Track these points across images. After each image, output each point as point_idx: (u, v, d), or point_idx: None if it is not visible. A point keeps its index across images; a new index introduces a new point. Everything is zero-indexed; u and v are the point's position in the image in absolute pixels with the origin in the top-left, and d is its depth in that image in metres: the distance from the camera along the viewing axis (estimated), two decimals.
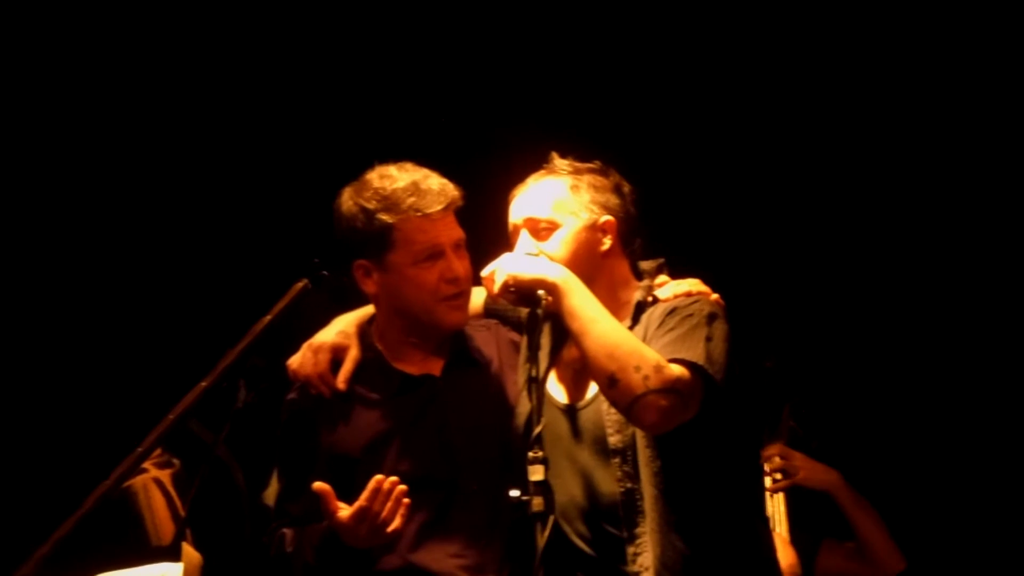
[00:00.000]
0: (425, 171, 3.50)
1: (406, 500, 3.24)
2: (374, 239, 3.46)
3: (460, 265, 3.48)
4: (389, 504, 3.23)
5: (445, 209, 3.46)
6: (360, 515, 3.23)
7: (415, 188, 3.45)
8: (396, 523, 3.25)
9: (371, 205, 3.45)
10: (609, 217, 3.35)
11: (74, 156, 5.24)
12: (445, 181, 3.49)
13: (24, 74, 5.21)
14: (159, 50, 5.23)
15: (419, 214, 3.44)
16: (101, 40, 5.20)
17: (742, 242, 5.18)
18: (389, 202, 3.44)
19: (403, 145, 3.67)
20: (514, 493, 3.14)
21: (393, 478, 3.24)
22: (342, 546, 3.29)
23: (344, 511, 3.25)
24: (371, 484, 3.23)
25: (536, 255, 3.33)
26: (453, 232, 3.49)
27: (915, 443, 5.20)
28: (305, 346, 3.60)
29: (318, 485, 3.27)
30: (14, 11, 5.15)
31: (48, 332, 5.21)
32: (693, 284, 3.37)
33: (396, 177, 3.48)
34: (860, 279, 5.24)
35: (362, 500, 3.23)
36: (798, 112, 5.20)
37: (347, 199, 3.51)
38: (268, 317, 3.35)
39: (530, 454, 3.14)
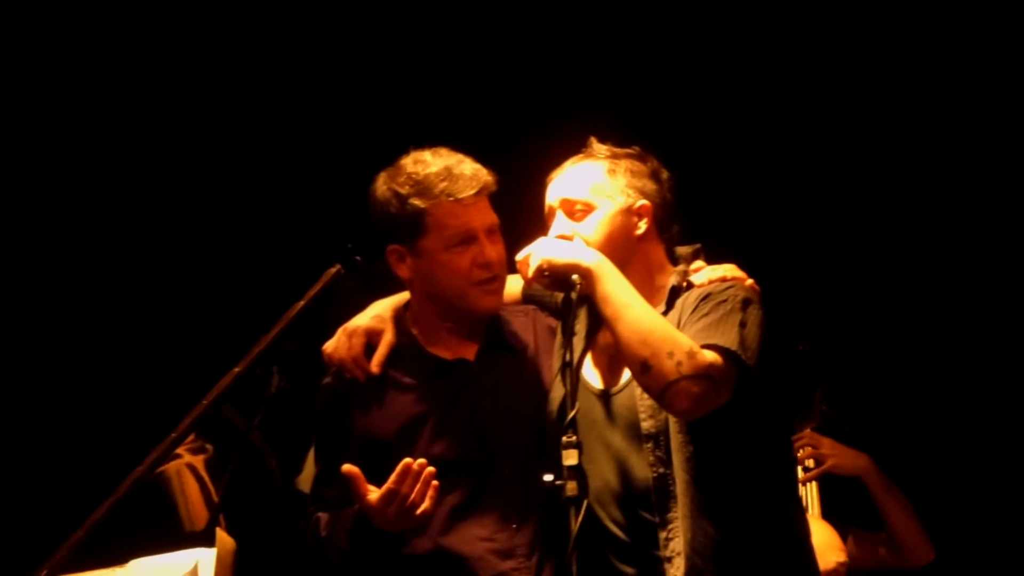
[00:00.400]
0: (459, 156, 3.50)
1: (435, 483, 3.23)
2: (407, 224, 3.46)
3: (493, 250, 3.47)
4: (418, 487, 3.22)
5: (478, 194, 3.45)
6: (388, 497, 3.23)
7: (448, 173, 3.45)
8: (425, 505, 3.24)
9: (404, 190, 3.45)
10: (645, 202, 3.35)
11: (111, 144, 5.26)
12: (478, 166, 3.49)
13: (63, 67, 5.23)
14: (192, 38, 5.24)
15: (451, 199, 3.43)
16: (136, 33, 5.22)
17: (775, 225, 5.16)
18: (422, 187, 3.44)
19: (440, 130, 3.65)
20: (548, 477, 3.13)
21: (421, 460, 3.23)
22: (373, 529, 3.29)
23: (373, 494, 3.25)
24: (399, 467, 3.22)
25: (570, 237, 3.32)
26: (486, 217, 3.48)
27: (947, 428, 5.18)
28: (340, 330, 3.60)
29: (347, 468, 3.27)
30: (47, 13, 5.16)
31: (84, 318, 5.24)
32: (728, 269, 3.36)
33: (429, 162, 3.47)
34: (892, 262, 5.21)
35: (390, 482, 3.23)
36: (832, 95, 5.18)
37: (381, 184, 3.51)
38: (301, 303, 3.35)
39: (564, 439, 3.13)
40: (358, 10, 5.25)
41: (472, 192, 3.44)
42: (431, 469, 3.24)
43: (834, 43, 5.11)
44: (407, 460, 3.23)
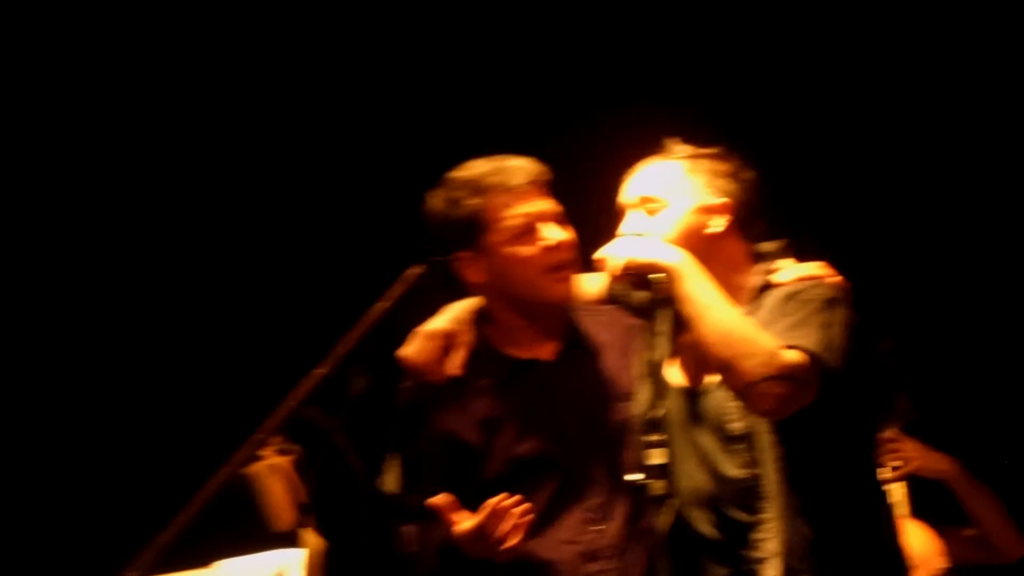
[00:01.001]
0: (509, 155, 3.51)
1: (527, 518, 3.24)
2: (466, 225, 3.46)
3: (560, 233, 3.46)
4: (507, 523, 3.22)
5: (531, 183, 3.45)
6: (478, 533, 3.24)
7: (497, 168, 3.47)
8: (514, 540, 3.24)
9: (457, 194, 3.47)
10: (723, 199, 3.32)
11: (194, 144, 5.31)
12: (530, 159, 3.50)
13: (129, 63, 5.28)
14: (264, 40, 5.28)
15: (505, 190, 3.44)
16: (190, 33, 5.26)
17: (858, 220, 5.12)
18: (473, 185, 3.46)
19: (512, 132, 3.66)
20: (634, 477, 3.12)
21: (512, 499, 3.23)
22: (462, 554, 3.30)
23: (464, 524, 3.25)
24: (488, 507, 3.23)
25: (645, 235, 3.30)
26: (545, 205, 3.48)
27: None
28: (416, 334, 3.61)
29: (434, 501, 3.28)
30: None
31: (171, 319, 5.29)
32: (815, 267, 3.32)
33: (478, 164, 3.51)
34: (977, 257, 5.16)
35: (479, 519, 3.23)
36: (915, 92, 5.14)
37: (432, 199, 3.54)
38: (384, 304, 3.37)
39: (649, 438, 3.13)
40: (422, 12, 5.27)
41: (524, 180, 3.46)
42: (523, 507, 3.23)
43: (926, 36, 5.06)
44: (493, 501, 3.23)
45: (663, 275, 3.21)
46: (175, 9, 5.26)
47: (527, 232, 3.45)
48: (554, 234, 3.45)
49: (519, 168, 3.46)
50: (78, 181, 5.34)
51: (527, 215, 3.45)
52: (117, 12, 5.22)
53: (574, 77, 5.20)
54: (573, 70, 5.21)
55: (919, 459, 4.56)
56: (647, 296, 3.36)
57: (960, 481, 4.56)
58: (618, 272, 3.28)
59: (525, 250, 3.45)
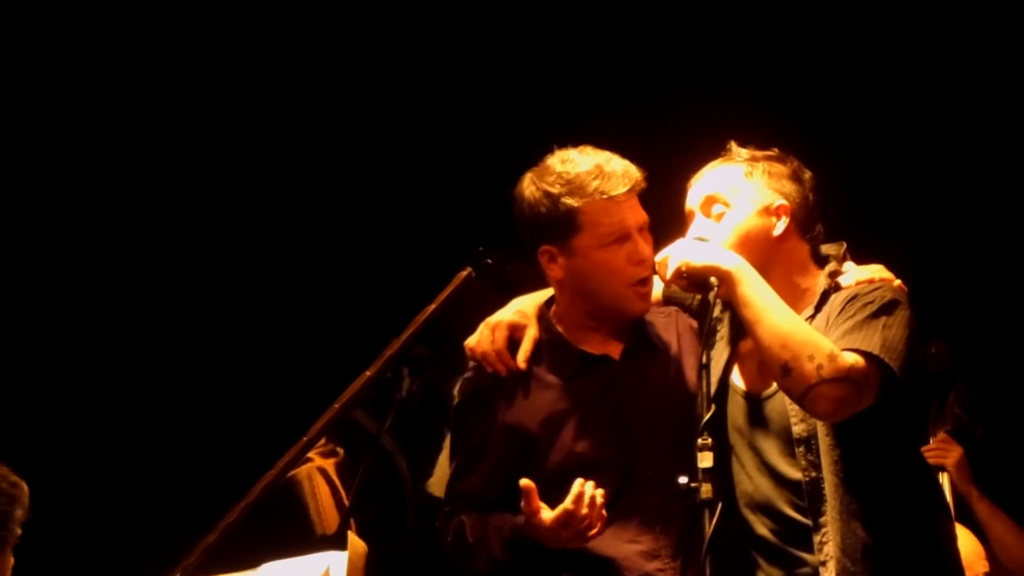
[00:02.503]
0: (607, 153, 3.46)
1: (604, 510, 3.23)
2: (559, 223, 3.42)
3: (647, 247, 3.44)
4: (593, 510, 3.20)
5: (630, 191, 3.42)
6: (564, 519, 3.21)
7: (599, 171, 3.41)
8: (596, 528, 3.22)
9: (555, 189, 3.42)
10: (783, 201, 3.30)
11: (237, 148, 5.32)
12: (628, 163, 3.45)
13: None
14: (316, 38, 5.28)
15: (605, 196, 3.40)
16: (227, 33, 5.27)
17: (907, 223, 5.09)
18: (573, 185, 3.41)
19: (579, 130, 3.62)
20: (683, 480, 3.10)
21: (599, 490, 3.21)
22: (535, 544, 3.27)
23: (546, 513, 3.23)
24: (575, 489, 3.19)
25: (706, 239, 3.29)
26: (638, 214, 3.45)
27: None
28: (483, 324, 3.56)
29: (525, 483, 3.23)
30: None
31: (224, 323, 5.29)
32: (876, 270, 3.30)
33: (579, 161, 3.44)
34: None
35: (567, 505, 3.19)
36: (969, 95, 5.11)
37: (529, 185, 3.48)
38: (432, 306, 3.35)
39: (699, 440, 3.10)
40: (495, 6, 5.25)
41: (625, 189, 3.41)
42: (602, 492, 3.21)
43: (991, 44, 5.03)
44: (582, 482, 3.20)
45: (719, 279, 3.19)
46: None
47: (619, 240, 3.42)
48: (644, 248, 3.43)
49: (623, 174, 3.41)
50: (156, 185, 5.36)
51: (623, 225, 3.41)
52: (131, 13, 5.23)
53: (637, 79, 5.17)
54: (635, 73, 5.18)
55: (955, 468, 4.55)
56: (700, 299, 3.36)
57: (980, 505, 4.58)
58: (676, 275, 3.26)
59: (614, 258, 3.41)
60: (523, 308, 3.56)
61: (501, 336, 3.51)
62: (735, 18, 5.15)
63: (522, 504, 3.24)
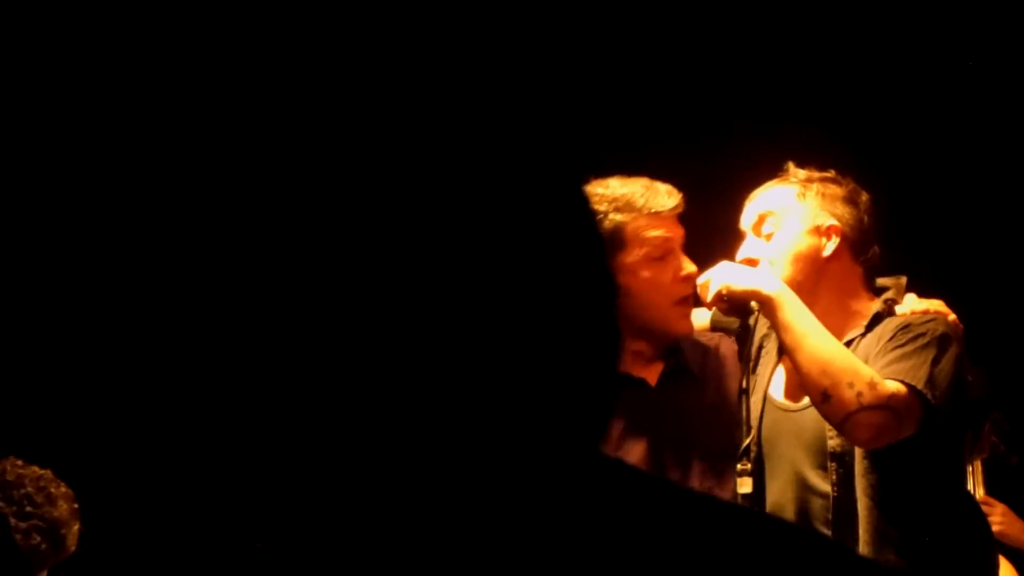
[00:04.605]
0: (645, 178, 3.50)
1: None
2: (606, 241, 3.43)
3: (691, 264, 3.45)
4: None
5: (675, 208, 3.45)
6: None
7: (645, 190, 3.45)
8: None
9: (602, 207, 3.43)
10: (835, 222, 3.30)
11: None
12: (670, 185, 3.49)
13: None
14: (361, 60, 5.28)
15: (651, 211, 3.43)
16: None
17: (945, 250, 5.07)
18: (620, 203, 3.43)
19: (626, 157, 3.64)
20: None
21: None
22: None
23: None
24: None
25: (755, 261, 3.30)
26: (681, 232, 3.48)
27: None
28: None
29: None
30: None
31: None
32: (934, 304, 3.30)
33: (620, 183, 3.47)
34: None
35: None
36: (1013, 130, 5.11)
37: None
38: None
39: (739, 466, 3.12)
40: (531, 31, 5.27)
41: (672, 205, 3.44)
42: None
43: None
44: None
45: (760, 303, 3.21)
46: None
47: (665, 256, 3.44)
48: (689, 264, 3.45)
49: (668, 192, 3.44)
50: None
51: (669, 240, 3.44)
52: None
53: (688, 100, 5.17)
54: (687, 93, 5.18)
55: (1003, 525, 4.51)
56: (741, 323, 3.38)
57: None
58: (716, 298, 3.28)
59: (661, 275, 3.42)
60: None
61: None
62: (790, 44, 5.15)
63: None
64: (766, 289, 3.20)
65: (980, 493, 4.55)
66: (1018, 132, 5.06)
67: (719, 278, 3.27)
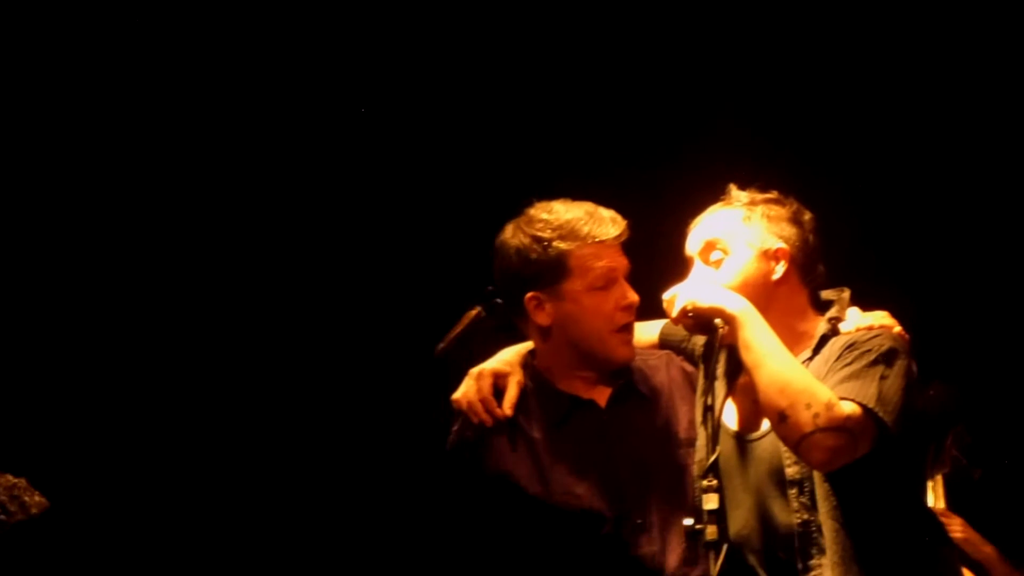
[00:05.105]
0: (590, 203, 3.52)
1: None
2: (550, 268, 3.46)
3: (633, 293, 3.47)
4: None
5: (618, 236, 3.47)
6: None
7: (590, 216, 3.47)
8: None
9: (546, 234, 3.45)
10: (782, 245, 3.32)
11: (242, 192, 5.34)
12: (613, 212, 3.51)
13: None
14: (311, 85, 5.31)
15: (596, 240, 3.45)
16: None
17: (910, 266, 5.11)
18: (565, 230, 3.45)
19: (568, 181, 3.66)
20: (687, 522, 3.12)
21: None
22: None
23: None
24: None
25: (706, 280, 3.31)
26: (624, 261, 3.50)
27: None
28: (467, 376, 3.60)
29: None
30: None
31: (228, 375, 5.28)
32: (878, 317, 3.31)
33: (565, 208, 3.49)
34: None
35: None
36: (954, 137, 5.15)
37: (515, 233, 3.51)
38: (442, 345, 3.37)
39: (704, 483, 3.13)
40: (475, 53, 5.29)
41: (616, 234, 3.46)
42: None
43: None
44: None
45: (724, 321, 3.22)
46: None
47: (607, 285, 3.46)
48: (631, 293, 3.47)
49: (612, 220, 3.47)
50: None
51: (612, 269, 3.46)
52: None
53: (629, 123, 5.21)
54: (627, 117, 5.21)
55: (963, 536, 4.54)
56: (705, 340, 3.38)
57: (997, 569, 4.56)
58: (681, 314, 3.29)
59: (602, 303, 3.45)
60: (506, 357, 3.59)
61: (486, 384, 3.53)
62: (729, 63, 5.19)
63: None
64: (730, 307, 3.22)
65: (941, 507, 4.59)
66: (965, 137, 5.12)
67: (684, 295, 3.29)
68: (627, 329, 3.49)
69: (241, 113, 5.24)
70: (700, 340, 3.46)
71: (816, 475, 3.19)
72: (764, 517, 3.26)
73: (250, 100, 5.25)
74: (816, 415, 3.06)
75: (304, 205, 5.30)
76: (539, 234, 3.46)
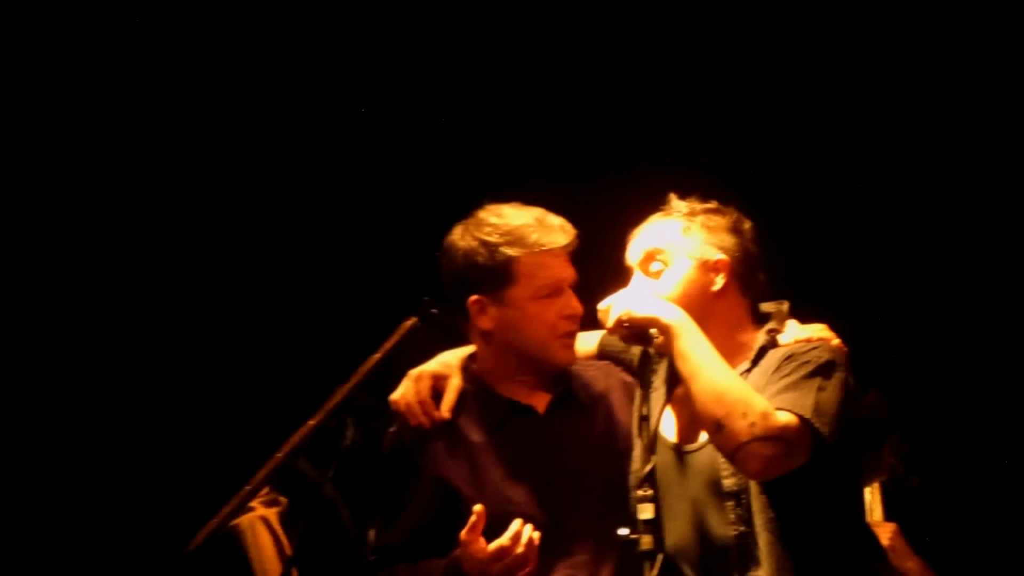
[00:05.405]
0: (540, 209, 3.51)
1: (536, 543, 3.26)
2: (495, 273, 3.45)
3: (578, 303, 3.47)
4: (529, 550, 3.23)
5: (567, 246, 3.46)
6: (498, 554, 3.23)
7: (539, 223, 3.47)
8: (529, 568, 3.25)
9: (493, 239, 3.45)
10: (722, 256, 3.32)
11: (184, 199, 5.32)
12: (563, 219, 3.50)
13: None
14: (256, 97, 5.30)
15: (543, 248, 3.44)
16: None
17: (840, 272, 5.15)
18: (513, 236, 3.45)
19: (508, 187, 3.66)
20: (622, 532, 3.12)
21: (536, 533, 3.24)
22: None
23: (482, 544, 3.24)
24: (514, 527, 3.24)
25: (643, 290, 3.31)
26: (571, 271, 3.49)
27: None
28: (406, 377, 3.59)
29: (478, 508, 3.27)
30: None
31: (163, 370, 5.26)
32: (816, 329, 3.32)
33: (515, 213, 3.49)
34: (959, 308, 5.18)
35: (504, 541, 3.23)
36: (889, 147, 5.19)
37: (463, 236, 3.50)
38: (377, 355, 3.36)
39: (639, 492, 3.13)
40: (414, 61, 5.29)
41: (564, 242, 3.46)
42: (537, 533, 3.24)
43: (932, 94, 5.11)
44: (520, 522, 3.25)
45: (660, 331, 3.22)
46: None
47: (553, 294, 3.46)
48: (575, 303, 3.47)
49: (560, 228, 3.47)
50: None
51: (559, 279, 3.46)
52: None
53: (576, 130, 5.22)
54: (573, 123, 5.23)
55: (888, 547, 4.57)
56: (641, 351, 3.38)
57: None
58: (617, 324, 3.29)
59: (546, 311, 3.45)
60: (446, 360, 3.59)
61: (425, 387, 3.53)
62: (673, 72, 5.21)
63: (464, 531, 3.26)
64: (666, 317, 3.22)
65: (878, 515, 4.61)
66: (905, 147, 5.16)
67: (621, 304, 3.28)
68: (569, 335, 3.49)
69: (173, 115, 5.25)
70: (638, 351, 3.47)
71: (753, 487, 3.20)
72: (701, 529, 3.27)
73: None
74: (752, 424, 3.07)
75: (242, 209, 5.29)
76: (487, 238, 3.46)
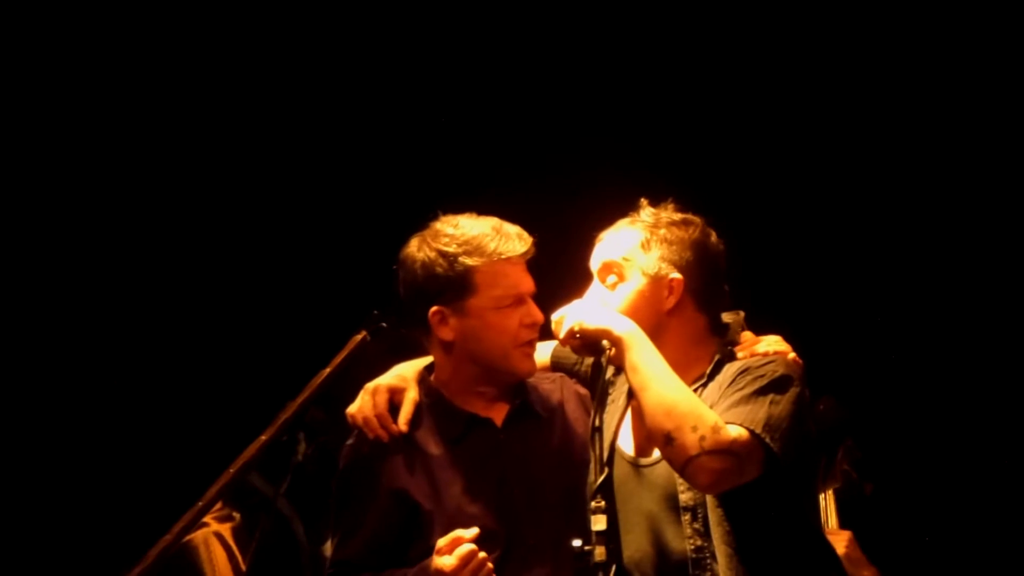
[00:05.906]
0: (495, 219, 3.51)
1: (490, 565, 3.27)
2: (455, 284, 3.44)
3: (538, 312, 3.47)
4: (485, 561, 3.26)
5: (525, 254, 3.46)
6: (461, 564, 3.24)
7: (496, 232, 3.46)
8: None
9: (452, 249, 3.44)
10: (677, 275, 3.28)
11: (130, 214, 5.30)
12: (520, 228, 3.50)
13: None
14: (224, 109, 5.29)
15: (502, 257, 3.44)
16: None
17: (793, 279, 5.17)
18: (471, 246, 3.44)
19: (463, 197, 3.65)
20: (576, 543, 3.12)
21: (482, 555, 3.26)
22: None
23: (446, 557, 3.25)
24: (459, 537, 3.25)
25: (596, 301, 3.31)
26: (530, 280, 3.49)
27: (976, 486, 5.16)
28: (363, 391, 3.58)
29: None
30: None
31: (114, 384, 5.24)
32: (772, 342, 3.32)
33: (471, 223, 3.48)
34: (916, 314, 5.21)
35: (468, 550, 3.24)
36: (842, 158, 5.22)
37: (421, 247, 3.49)
38: (327, 369, 3.35)
39: (592, 504, 3.13)
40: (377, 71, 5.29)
41: (522, 251, 3.46)
42: (483, 554, 3.26)
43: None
44: (471, 548, 3.26)
45: (611, 343, 3.21)
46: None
47: (514, 303, 3.45)
48: (536, 312, 3.47)
49: (518, 236, 3.47)
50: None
51: (519, 288, 3.46)
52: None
53: (539, 139, 5.23)
54: (538, 132, 5.24)
55: (843, 555, 4.59)
56: (593, 362, 3.40)
57: None
58: (568, 335, 3.28)
59: (507, 321, 3.45)
60: (403, 373, 3.58)
61: (382, 400, 3.52)
62: (641, 84, 5.23)
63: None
64: (617, 329, 3.21)
65: (833, 523, 4.62)
66: (863, 158, 5.19)
67: (573, 316, 3.27)
68: (529, 344, 3.50)
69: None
70: (591, 362, 3.47)
71: (710, 501, 3.19)
72: (658, 542, 3.26)
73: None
74: (702, 438, 3.06)
75: (189, 224, 5.28)
76: (445, 249, 3.45)
